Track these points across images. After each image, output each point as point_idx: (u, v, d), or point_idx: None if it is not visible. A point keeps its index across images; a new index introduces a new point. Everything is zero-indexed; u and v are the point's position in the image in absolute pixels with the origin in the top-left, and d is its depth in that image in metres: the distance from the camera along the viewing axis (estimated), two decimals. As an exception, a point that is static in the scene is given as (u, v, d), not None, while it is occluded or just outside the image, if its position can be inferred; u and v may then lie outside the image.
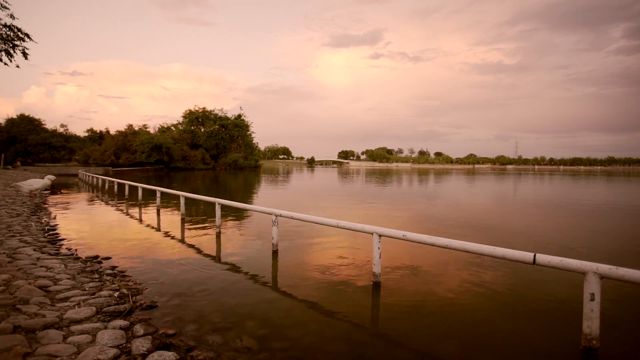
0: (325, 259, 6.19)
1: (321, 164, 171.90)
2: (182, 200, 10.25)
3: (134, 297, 4.21)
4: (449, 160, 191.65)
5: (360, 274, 5.34)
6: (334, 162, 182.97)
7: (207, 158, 66.30)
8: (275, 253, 6.38)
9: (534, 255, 3.41)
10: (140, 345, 3.02)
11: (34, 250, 6.13)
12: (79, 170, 36.26)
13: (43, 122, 57.92)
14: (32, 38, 14.83)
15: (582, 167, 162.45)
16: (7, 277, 4.41)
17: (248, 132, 75.70)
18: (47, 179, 16.25)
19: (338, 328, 3.64)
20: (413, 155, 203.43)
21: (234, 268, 5.65)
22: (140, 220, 10.21)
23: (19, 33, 14.34)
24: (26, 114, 57.31)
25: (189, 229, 8.97)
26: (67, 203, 14.22)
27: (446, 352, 3.21)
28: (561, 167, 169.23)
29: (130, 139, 60.26)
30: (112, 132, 71.14)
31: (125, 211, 12.03)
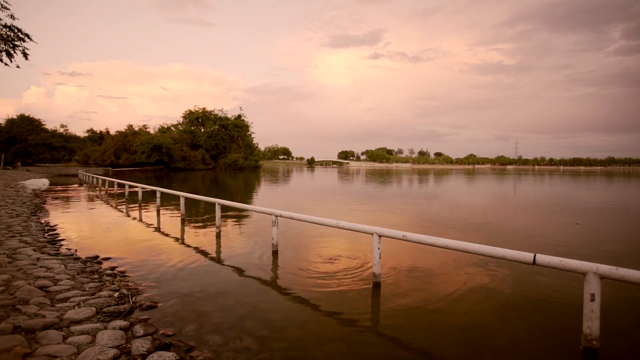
0: (325, 259, 6.18)
1: (321, 165, 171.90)
2: (182, 201, 10.25)
3: (134, 298, 4.21)
4: (449, 161, 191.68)
5: (360, 274, 5.33)
6: (334, 162, 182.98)
7: (207, 158, 66.30)
8: (275, 253, 6.38)
9: (534, 256, 3.41)
10: (140, 345, 3.02)
11: (34, 250, 6.12)
12: (79, 171, 36.26)
13: (43, 123, 58.12)
14: (32, 38, 14.83)
15: (582, 168, 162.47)
16: (7, 277, 4.40)
17: (248, 133, 75.70)
18: (43, 181, 16.30)
19: (338, 328, 3.64)
20: (413, 156, 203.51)
21: (234, 268, 5.65)
22: (140, 221, 10.20)
23: (19, 33, 14.33)
24: (26, 115, 57.58)
25: (189, 229, 8.97)
26: (67, 203, 14.23)
27: (446, 352, 3.21)
28: (561, 167, 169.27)
29: (130, 139, 60.27)
30: (112, 132, 71.22)
31: (125, 211, 12.03)
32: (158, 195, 12.12)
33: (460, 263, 6.02)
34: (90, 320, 3.48)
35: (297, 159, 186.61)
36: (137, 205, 13.10)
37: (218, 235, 8.05)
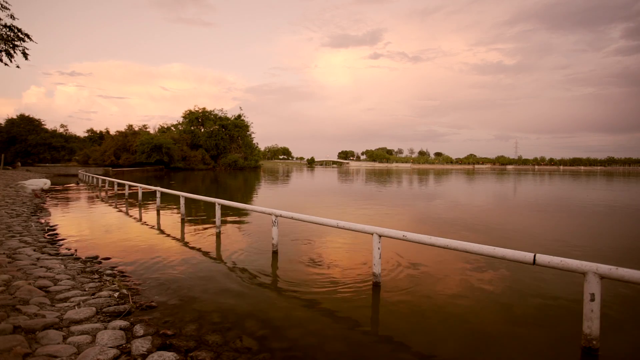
0: (325, 259, 6.19)
1: (321, 164, 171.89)
2: (182, 201, 10.25)
3: (134, 297, 4.21)
4: (449, 161, 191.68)
5: (360, 274, 5.33)
6: (334, 162, 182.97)
7: (207, 158, 66.29)
8: (275, 253, 6.38)
9: (534, 256, 3.41)
10: (140, 345, 3.02)
11: (34, 250, 6.12)
12: (79, 171, 36.27)
13: (43, 123, 57.96)
14: (32, 38, 14.84)
15: (582, 168, 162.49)
16: (7, 277, 4.40)
17: (248, 133, 75.68)
18: (44, 181, 16.32)
19: (338, 328, 3.64)
20: (413, 156, 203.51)
21: (234, 268, 5.65)
22: (140, 220, 10.21)
23: (19, 33, 14.35)
24: (26, 114, 57.36)
25: (189, 229, 8.97)
26: (67, 203, 14.22)
27: (446, 352, 3.21)
28: (561, 167, 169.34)
29: (130, 139, 60.29)
30: (112, 132, 71.33)
31: (125, 211, 12.03)
32: (158, 195, 12.12)
33: (460, 263, 6.02)
34: (91, 320, 3.48)
35: (297, 159, 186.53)
36: (137, 205, 13.11)
37: (218, 235, 8.05)
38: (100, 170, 39.91)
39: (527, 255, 3.46)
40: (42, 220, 9.68)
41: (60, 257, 5.86)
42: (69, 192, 19.00)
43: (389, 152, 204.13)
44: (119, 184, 17.86)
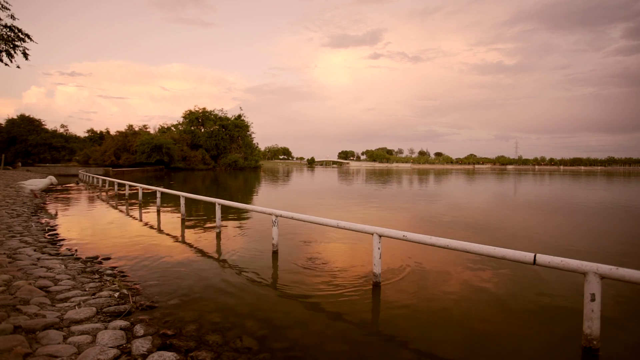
0: (325, 259, 6.19)
1: (321, 165, 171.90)
2: (182, 201, 10.25)
3: (134, 298, 4.22)
4: (449, 161, 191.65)
5: (360, 274, 5.33)
6: (334, 162, 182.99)
7: (207, 158, 66.31)
8: (275, 253, 6.38)
9: (534, 256, 3.41)
10: (140, 345, 3.02)
11: (35, 250, 6.13)
12: (79, 171, 36.30)
13: (43, 123, 57.99)
14: (32, 38, 14.86)
15: (582, 168, 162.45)
16: (7, 277, 4.41)
17: (248, 133, 75.73)
18: (49, 179, 16.31)
19: (338, 328, 3.64)
20: (413, 156, 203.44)
21: (234, 268, 5.65)
22: (141, 221, 10.21)
23: (20, 34, 14.37)
24: (26, 115, 57.38)
25: (189, 229, 8.98)
26: (68, 203, 14.23)
27: (446, 352, 3.21)
28: (561, 167, 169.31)
29: (130, 139, 60.33)
30: (112, 132, 71.36)
31: (125, 211, 12.04)
32: (158, 195, 12.13)
33: (460, 263, 6.02)
34: (91, 320, 3.48)
35: (297, 159, 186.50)
36: (137, 205, 13.11)
37: (218, 235, 8.05)
38: (101, 171, 39.92)
39: (528, 255, 3.46)
40: (43, 220, 9.69)
41: (60, 257, 5.87)
42: (69, 192, 19.01)
43: (389, 152, 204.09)
44: (119, 184, 17.87)
